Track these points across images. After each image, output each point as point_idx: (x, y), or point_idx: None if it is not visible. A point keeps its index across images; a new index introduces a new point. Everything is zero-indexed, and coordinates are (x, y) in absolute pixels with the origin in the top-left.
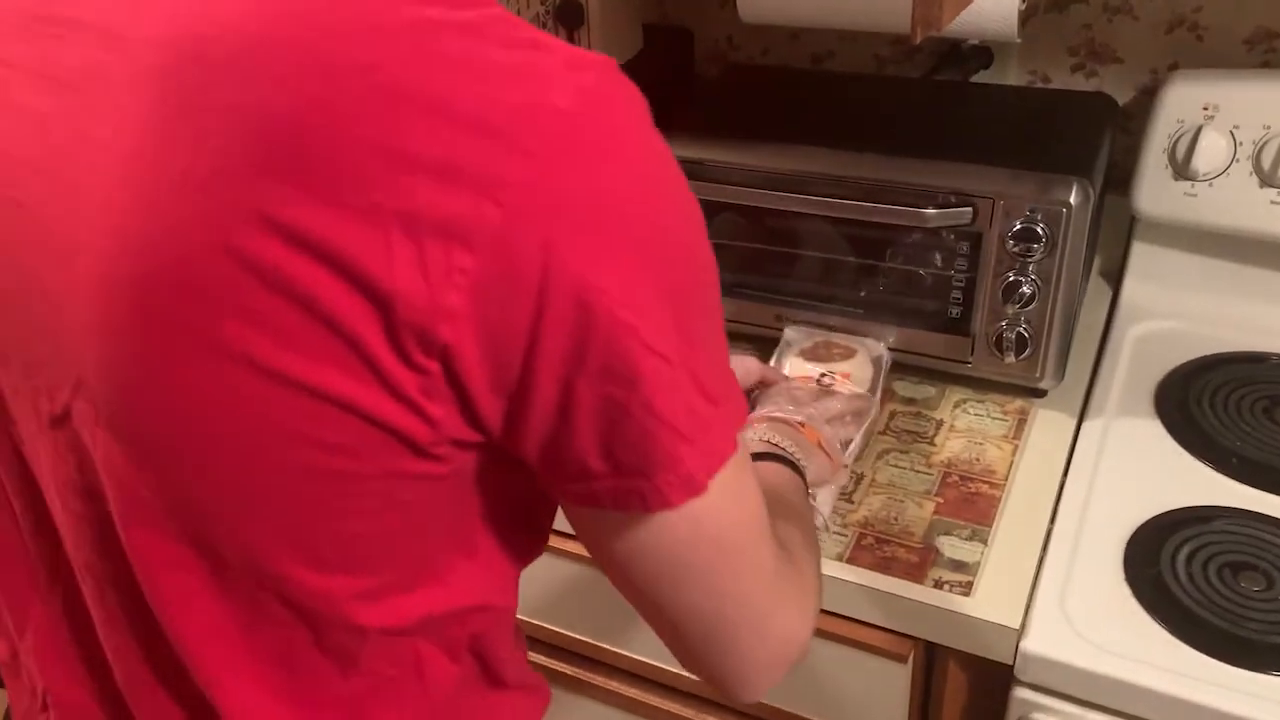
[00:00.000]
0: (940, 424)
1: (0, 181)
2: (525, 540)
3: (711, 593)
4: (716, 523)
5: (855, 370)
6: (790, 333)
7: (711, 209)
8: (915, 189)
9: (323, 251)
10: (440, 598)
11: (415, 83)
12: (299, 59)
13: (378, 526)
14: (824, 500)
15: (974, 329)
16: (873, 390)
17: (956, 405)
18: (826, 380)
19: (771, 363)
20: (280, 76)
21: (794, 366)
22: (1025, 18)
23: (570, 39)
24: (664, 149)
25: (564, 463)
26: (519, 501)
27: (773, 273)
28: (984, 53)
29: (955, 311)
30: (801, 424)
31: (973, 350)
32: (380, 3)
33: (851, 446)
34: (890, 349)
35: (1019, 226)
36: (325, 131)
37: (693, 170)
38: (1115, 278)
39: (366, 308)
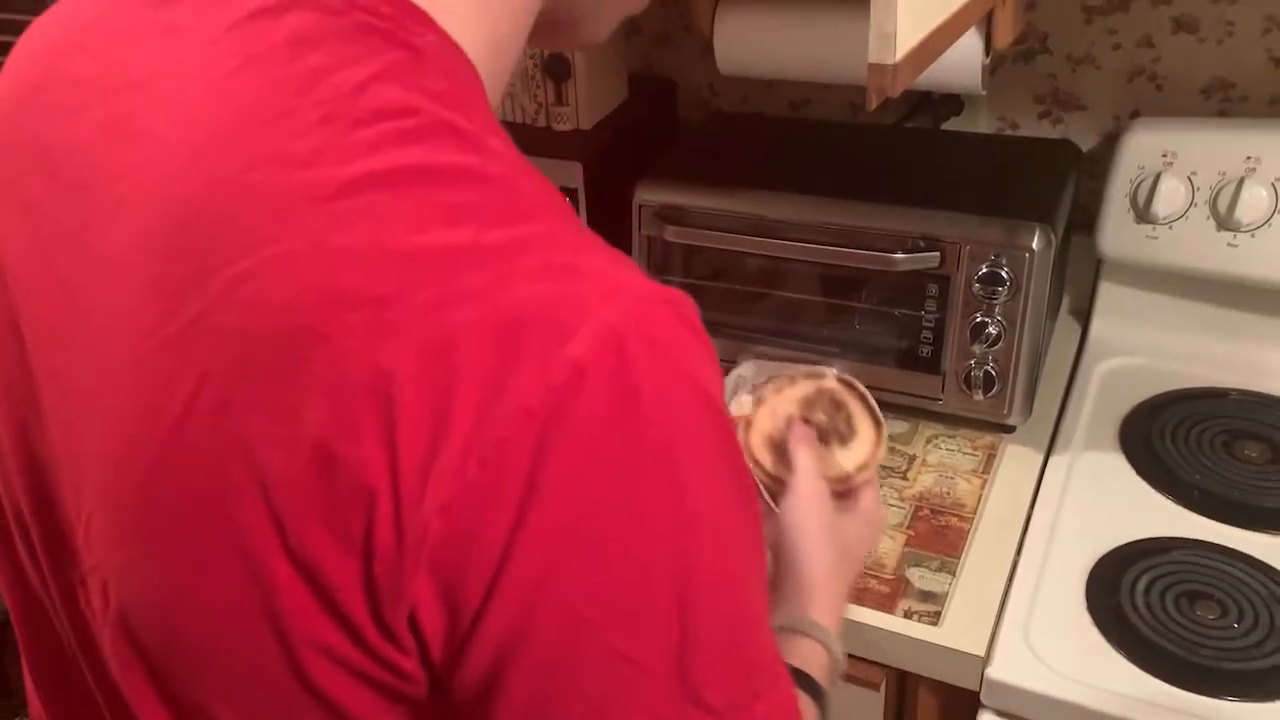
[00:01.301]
0: (913, 459)
1: (40, 350)
2: None
3: None
4: None
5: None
6: (745, 368)
7: (689, 251)
8: (886, 233)
9: (324, 481)
10: None
11: (420, 319)
12: (301, 281)
13: None
14: None
15: (944, 367)
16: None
17: (928, 441)
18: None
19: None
20: (278, 299)
21: (739, 404)
22: (993, 68)
23: (558, 91)
24: (692, 405)
25: None
26: None
27: (747, 311)
28: (954, 100)
29: (926, 350)
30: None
31: (943, 388)
32: (410, 229)
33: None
34: (867, 387)
35: (984, 270)
36: (319, 366)
37: (673, 215)
38: (1083, 316)
39: (348, 556)
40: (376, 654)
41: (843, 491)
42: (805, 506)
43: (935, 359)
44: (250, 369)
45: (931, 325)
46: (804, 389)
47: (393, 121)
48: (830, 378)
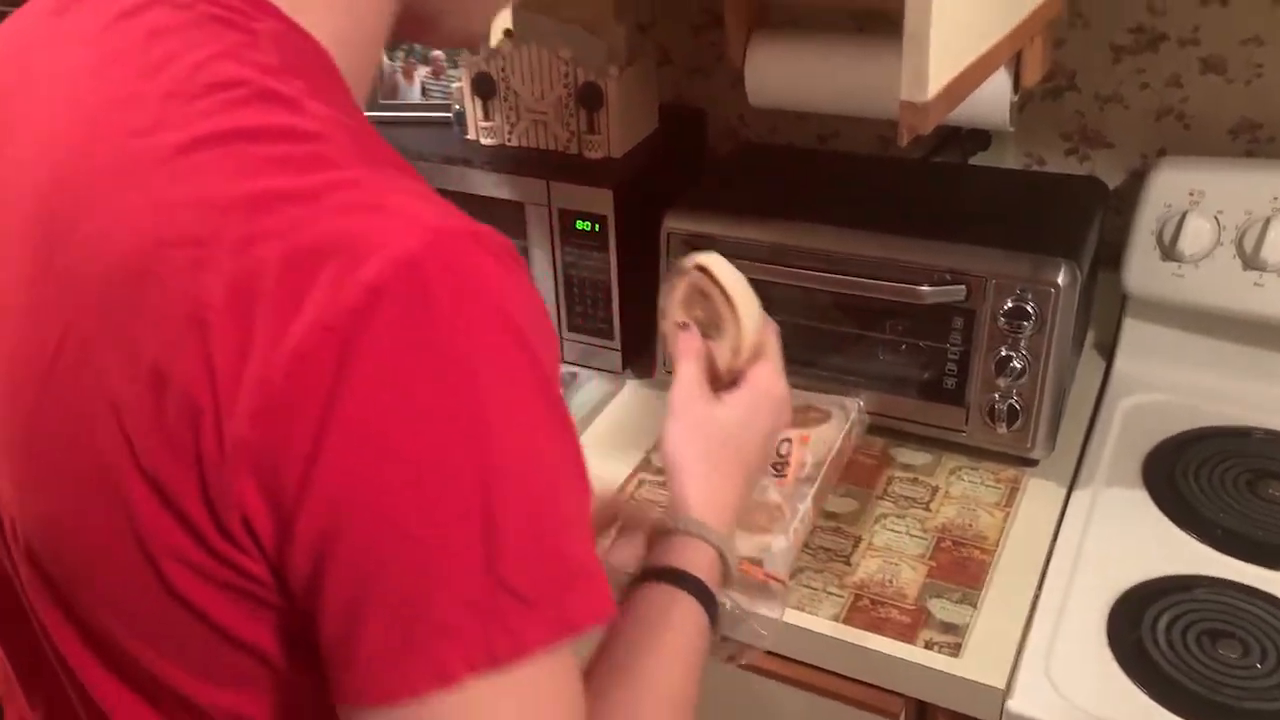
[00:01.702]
0: (935, 490)
1: None
2: None
3: None
4: None
5: (819, 433)
6: None
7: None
8: (913, 266)
9: (157, 401)
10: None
11: (229, 251)
12: (137, 231)
13: (241, 657)
14: (780, 559)
15: (968, 400)
16: (843, 447)
17: (951, 472)
18: (783, 451)
19: None
20: (119, 250)
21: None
22: (1020, 105)
23: (590, 119)
24: (493, 324)
25: (319, 642)
26: None
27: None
28: (982, 135)
29: (950, 383)
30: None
31: (967, 420)
32: (228, 179)
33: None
34: (888, 416)
35: (1010, 305)
36: (152, 301)
37: (702, 243)
38: (1108, 350)
39: (185, 467)
40: (223, 557)
41: (733, 380)
42: (674, 414)
43: (959, 391)
44: (103, 310)
45: (956, 358)
46: (681, 290)
47: (224, 93)
48: (690, 269)
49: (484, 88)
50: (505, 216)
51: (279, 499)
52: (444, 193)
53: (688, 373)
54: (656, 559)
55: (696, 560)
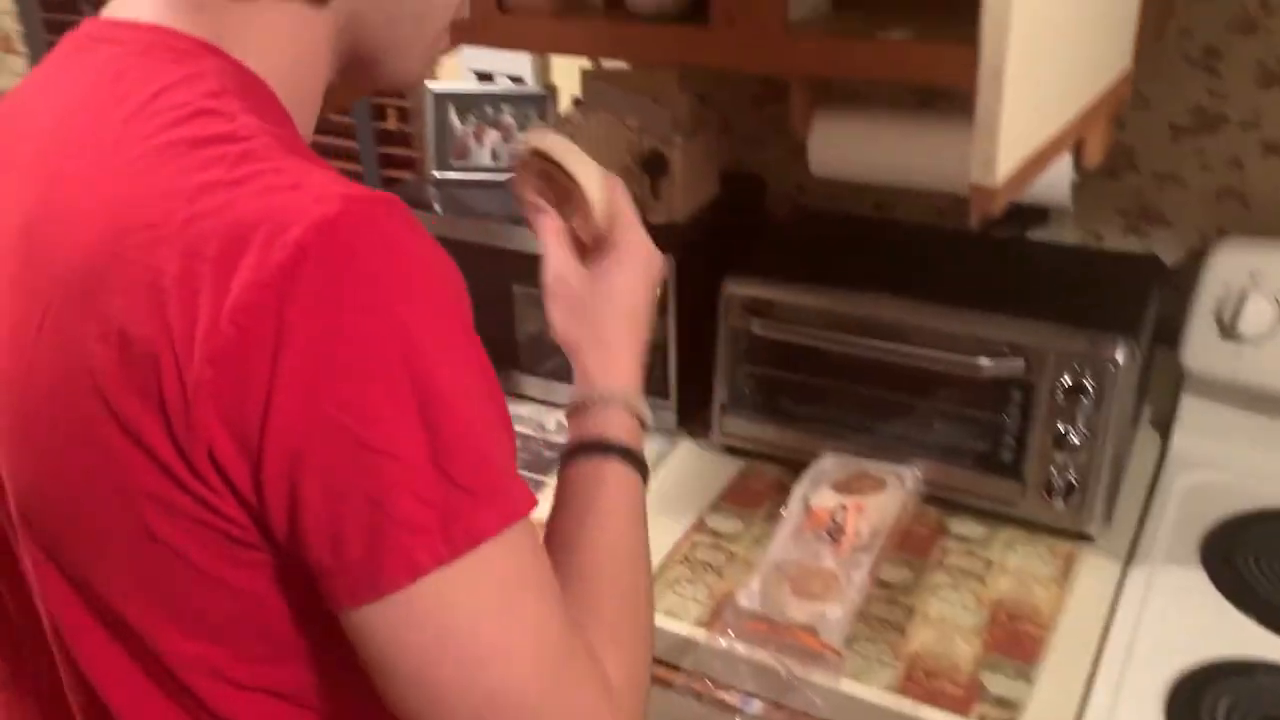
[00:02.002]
0: (990, 563)
1: None
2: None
3: (470, 686)
4: (458, 607)
5: (875, 502)
6: (827, 461)
7: (774, 344)
8: (971, 338)
9: (126, 362)
10: (293, 674)
11: (177, 231)
12: (104, 224)
13: (221, 601)
14: (835, 628)
15: (1025, 473)
16: (899, 517)
17: (1006, 545)
18: (838, 519)
19: (800, 489)
20: (89, 240)
21: (821, 497)
22: (1079, 183)
23: (654, 186)
24: (405, 266)
25: (302, 558)
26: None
27: (828, 405)
28: (1041, 210)
29: (1007, 456)
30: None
31: (1023, 493)
32: (175, 178)
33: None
34: (943, 487)
35: (1068, 380)
36: (118, 276)
37: (760, 308)
38: (1165, 427)
39: (153, 416)
40: (195, 494)
41: (598, 246)
42: (552, 296)
43: (1016, 464)
44: (78, 291)
45: (1013, 431)
46: (526, 179)
47: (172, 112)
48: (528, 156)
49: None
50: None
51: (245, 437)
52: (510, 252)
53: (554, 253)
54: (578, 434)
55: (613, 425)
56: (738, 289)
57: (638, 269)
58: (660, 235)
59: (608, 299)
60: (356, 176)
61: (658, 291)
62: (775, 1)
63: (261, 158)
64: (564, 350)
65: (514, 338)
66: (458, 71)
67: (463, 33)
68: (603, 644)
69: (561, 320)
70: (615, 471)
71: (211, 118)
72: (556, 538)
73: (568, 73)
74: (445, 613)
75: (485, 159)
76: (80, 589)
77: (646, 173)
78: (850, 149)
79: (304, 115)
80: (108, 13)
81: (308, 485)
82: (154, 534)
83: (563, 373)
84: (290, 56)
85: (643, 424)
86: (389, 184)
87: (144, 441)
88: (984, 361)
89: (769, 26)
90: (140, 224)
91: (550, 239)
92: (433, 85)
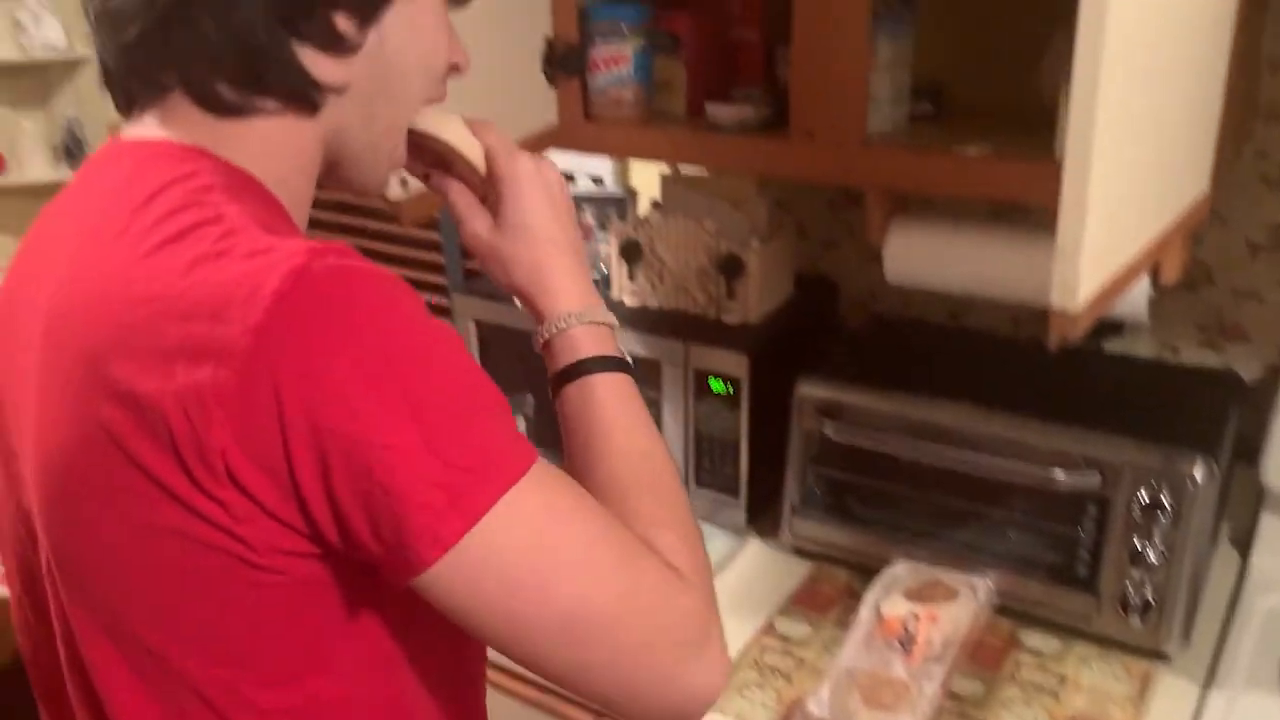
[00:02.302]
0: (1064, 679)
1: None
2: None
3: (547, 615)
4: (500, 561)
5: (947, 612)
6: (899, 568)
7: (848, 448)
8: (1046, 450)
9: (137, 416)
10: (325, 686)
11: (174, 302)
12: (114, 305)
13: (245, 623)
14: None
15: (1100, 588)
16: (972, 628)
17: (1081, 661)
18: (910, 627)
19: (871, 595)
20: (102, 320)
21: (892, 604)
22: (1156, 299)
23: (730, 287)
24: (366, 292)
25: (361, 554)
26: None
27: (900, 511)
28: (1116, 323)
29: (1082, 570)
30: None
31: (1098, 608)
32: (170, 259)
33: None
34: (1016, 598)
35: (1146, 497)
36: (126, 346)
37: (833, 411)
38: (1244, 545)
39: (167, 456)
40: (215, 522)
41: (492, 190)
42: (483, 258)
43: (1091, 579)
44: (95, 363)
45: (1088, 545)
46: (414, 157)
47: (167, 207)
48: (414, 129)
49: (631, 253)
50: (640, 375)
51: (273, 468)
52: None
53: (460, 215)
54: (554, 367)
55: (581, 344)
56: (812, 391)
57: (532, 189)
58: (735, 335)
59: (521, 232)
60: (440, 290)
61: (565, 184)
62: (854, 115)
63: (240, 232)
64: (514, 296)
65: None
66: None
67: (551, 138)
68: (652, 536)
69: (495, 272)
70: (600, 384)
71: (200, 207)
72: (573, 467)
73: (647, 175)
74: (495, 560)
75: None
76: (109, 629)
77: (723, 274)
78: (925, 259)
79: (300, 212)
80: (125, 133)
81: (341, 494)
82: (178, 565)
83: None
84: (279, 160)
85: (609, 324)
86: (469, 276)
87: (163, 481)
88: (1059, 474)
89: (847, 140)
90: (143, 299)
91: (457, 198)
92: None
